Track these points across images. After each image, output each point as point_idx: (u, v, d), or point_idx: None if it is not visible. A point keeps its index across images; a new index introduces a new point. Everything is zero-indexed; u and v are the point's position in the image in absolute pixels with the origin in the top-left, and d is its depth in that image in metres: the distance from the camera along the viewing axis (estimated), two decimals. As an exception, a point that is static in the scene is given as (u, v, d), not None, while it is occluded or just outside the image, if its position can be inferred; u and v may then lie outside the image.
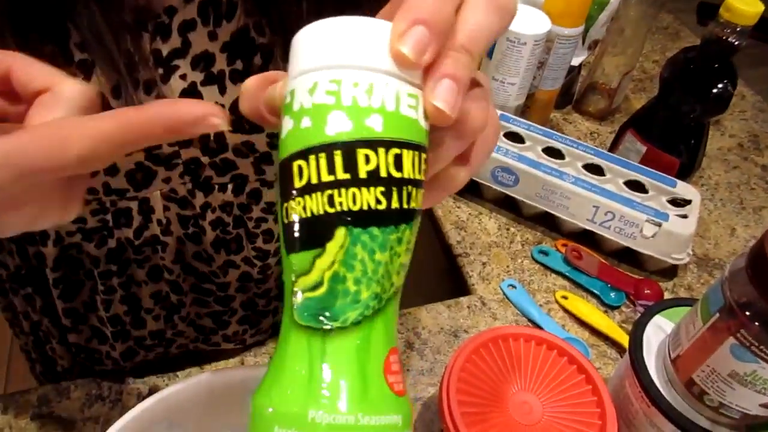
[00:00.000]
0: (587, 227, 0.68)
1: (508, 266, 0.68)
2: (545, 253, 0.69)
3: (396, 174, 0.22)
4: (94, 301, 0.53)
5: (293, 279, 0.23)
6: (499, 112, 0.76)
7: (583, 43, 0.84)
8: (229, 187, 0.49)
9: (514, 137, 0.74)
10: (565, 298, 0.65)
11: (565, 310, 0.64)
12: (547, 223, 0.72)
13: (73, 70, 0.38)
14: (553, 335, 0.51)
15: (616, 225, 0.67)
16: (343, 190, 0.22)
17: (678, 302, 0.50)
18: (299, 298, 0.23)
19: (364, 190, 0.22)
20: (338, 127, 0.22)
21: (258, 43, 0.42)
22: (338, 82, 0.22)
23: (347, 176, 0.22)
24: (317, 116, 0.22)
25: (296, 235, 0.23)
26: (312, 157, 0.22)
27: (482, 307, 0.64)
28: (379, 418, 0.22)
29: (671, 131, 0.74)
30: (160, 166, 0.45)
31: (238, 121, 0.44)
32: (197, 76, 0.42)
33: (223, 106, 0.43)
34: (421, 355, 0.59)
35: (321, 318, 0.22)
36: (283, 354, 0.23)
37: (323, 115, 0.22)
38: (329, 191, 0.22)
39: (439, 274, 0.76)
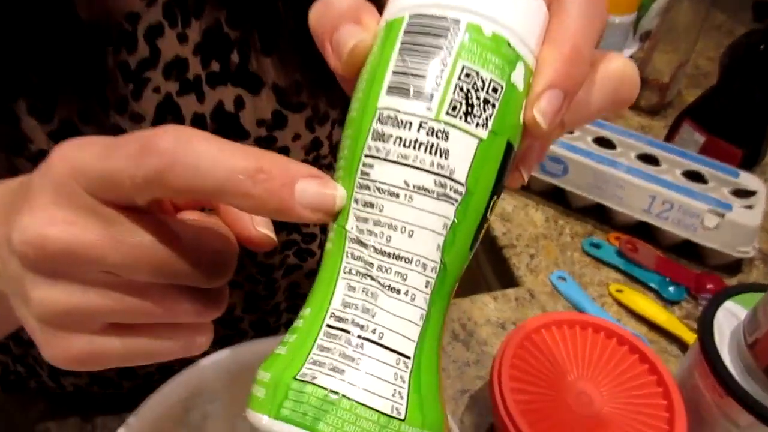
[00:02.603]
0: (643, 218, 0.64)
1: (557, 258, 0.65)
2: (597, 246, 0.65)
3: None
4: None
5: None
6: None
7: (635, 33, 0.81)
8: None
9: (563, 127, 0.71)
10: (620, 291, 0.61)
11: (620, 304, 0.60)
12: (598, 216, 0.68)
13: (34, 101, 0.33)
14: (611, 322, 0.48)
15: (675, 216, 0.63)
16: None
17: (751, 288, 0.46)
18: None
19: None
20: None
21: (233, 38, 0.37)
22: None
23: None
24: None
25: None
26: None
27: (531, 299, 0.60)
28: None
29: (733, 120, 0.70)
30: None
31: (222, 129, 0.40)
32: (172, 86, 0.37)
33: (202, 114, 0.39)
34: (467, 346, 0.56)
35: None
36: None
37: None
38: None
39: (482, 266, 0.73)
